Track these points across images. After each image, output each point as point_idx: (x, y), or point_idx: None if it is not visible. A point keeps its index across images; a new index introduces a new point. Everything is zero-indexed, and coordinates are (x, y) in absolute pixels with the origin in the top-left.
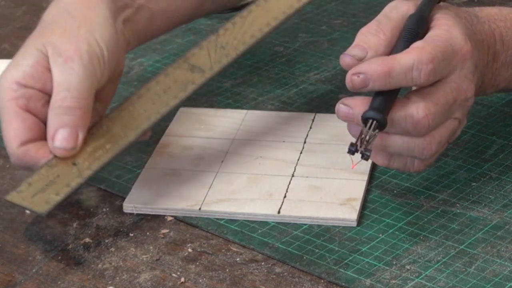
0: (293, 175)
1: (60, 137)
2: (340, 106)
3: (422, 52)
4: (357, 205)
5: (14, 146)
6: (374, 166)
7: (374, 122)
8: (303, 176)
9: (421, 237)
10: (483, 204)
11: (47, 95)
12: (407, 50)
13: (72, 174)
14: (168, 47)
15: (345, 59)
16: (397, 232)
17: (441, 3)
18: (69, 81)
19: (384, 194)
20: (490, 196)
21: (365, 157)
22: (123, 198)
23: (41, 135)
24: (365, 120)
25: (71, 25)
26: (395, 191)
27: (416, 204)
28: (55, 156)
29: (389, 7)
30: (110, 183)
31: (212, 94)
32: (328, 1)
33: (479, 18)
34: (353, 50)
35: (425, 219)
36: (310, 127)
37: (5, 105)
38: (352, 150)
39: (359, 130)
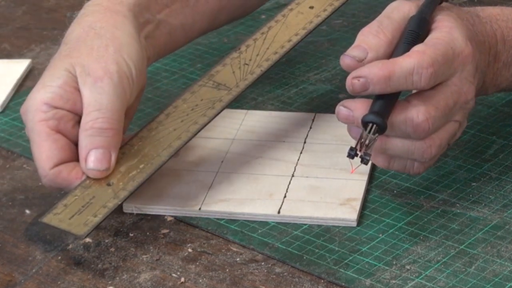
0: (293, 175)
1: (93, 158)
2: (340, 109)
3: (422, 56)
4: (357, 205)
5: (46, 168)
6: (374, 166)
7: (374, 126)
8: (303, 176)
9: (421, 237)
10: (483, 204)
11: (77, 116)
12: (408, 53)
13: (107, 195)
14: None
15: (345, 60)
16: (397, 232)
17: (443, 4)
18: (99, 102)
19: (384, 194)
20: (490, 196)
21: (364, 161)
22: None
23: (73, 156)
24: (365, 123)
25: (99, 44)
26: (395, 191)
27: (416, 204)
28: (89, 177)
29: (391, 8)
30: None
31: None
32: None
33: (481, 18)
34: (354, 51)
35: (425, 219)
36: (310, 127)
37: (35, 127)
38: (352, 154)
39: (359, 132)
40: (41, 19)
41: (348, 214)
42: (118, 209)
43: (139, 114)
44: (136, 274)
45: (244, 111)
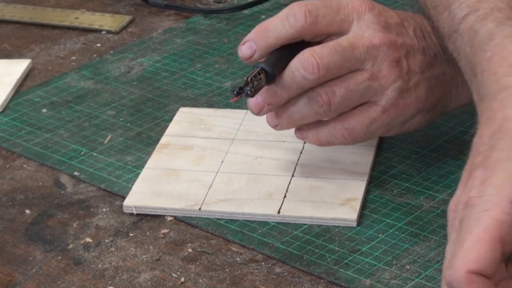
0: (293, 175)
1: None
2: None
3: (292, 4)
4: (357, 205)
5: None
6: (374, 166)
7: (264, 72)
8: (303, 176)
9: (421, 237)
10: None
11: None
12: None
13: None
14: (168, 47)
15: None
16: (397, 232)
17: None
18: None
19: (384, 194)
20: None
21: (250, 94)
22: (123, 198)
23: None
24: (255, 69)
25: None
26: (395, 191)
27: (416, 204)
28: None
29: None
30: (110, 183)
31: (212, 94)
32: None
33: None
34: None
35: (425, 219)
36: None
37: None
38: (240, 92)
39: (273, 118)
40: None
41: (348, 214)
42: (118, 209)
43: (139, 114)
44: (136, 274)
45: (244, 111)
